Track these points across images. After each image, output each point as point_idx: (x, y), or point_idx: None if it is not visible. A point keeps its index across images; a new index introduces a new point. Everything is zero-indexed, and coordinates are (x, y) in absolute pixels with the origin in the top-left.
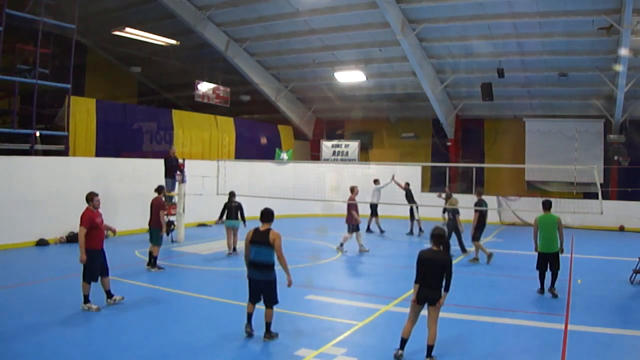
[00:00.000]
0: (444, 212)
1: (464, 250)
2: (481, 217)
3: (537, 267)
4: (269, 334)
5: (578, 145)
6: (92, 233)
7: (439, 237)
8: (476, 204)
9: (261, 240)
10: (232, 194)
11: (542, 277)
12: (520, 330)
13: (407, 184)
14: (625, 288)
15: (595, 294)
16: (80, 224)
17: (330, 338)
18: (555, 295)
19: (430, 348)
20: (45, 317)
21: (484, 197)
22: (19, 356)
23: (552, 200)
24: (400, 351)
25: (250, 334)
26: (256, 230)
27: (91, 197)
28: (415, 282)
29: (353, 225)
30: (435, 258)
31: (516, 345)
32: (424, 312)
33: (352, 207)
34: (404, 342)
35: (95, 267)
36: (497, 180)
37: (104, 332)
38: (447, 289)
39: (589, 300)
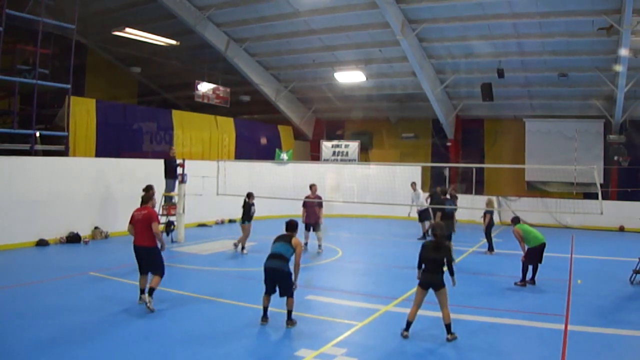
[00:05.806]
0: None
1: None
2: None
3: (530, 262)
4: (290, 321)
5: (578, 146)
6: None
7: (437, 230)
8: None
9: (284, 240)
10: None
11: (527, 271)
12: (520, 330)
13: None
14: (625, 288)
15: (595, 294)
16: (157, 221)
17: (330, 338)
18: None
19: (447, 327)
20: (45, 317)
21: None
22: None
23: (552, 200)
24: (405, 332)
25: (266, 322)
26: (281, 234)
27: (151, 196)
28: (418, 267)
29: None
30: (435, 247)
31: (516, 345)
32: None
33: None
34: (409, 324)
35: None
36: (497, 181)
37: (103, 331)
38: (451, 273)
39: (589, 300)
